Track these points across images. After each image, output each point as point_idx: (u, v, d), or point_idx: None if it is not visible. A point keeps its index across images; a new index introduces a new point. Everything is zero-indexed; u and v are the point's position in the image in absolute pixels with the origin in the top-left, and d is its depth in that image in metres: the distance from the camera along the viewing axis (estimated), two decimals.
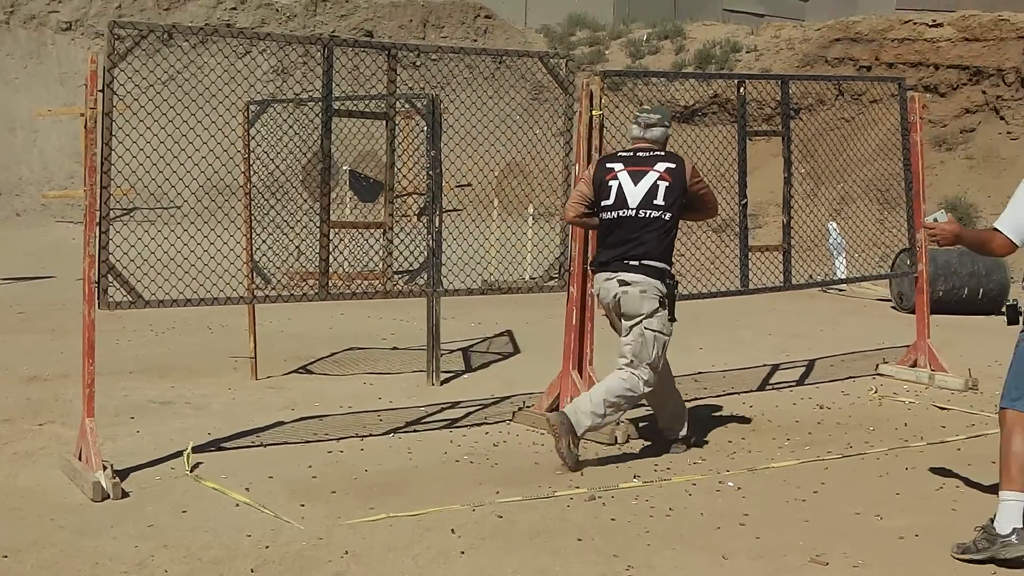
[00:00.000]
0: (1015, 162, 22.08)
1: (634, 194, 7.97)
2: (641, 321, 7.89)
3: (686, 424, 8.39)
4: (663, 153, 8.17)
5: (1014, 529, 6.03)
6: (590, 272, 8.42)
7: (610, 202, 8.03)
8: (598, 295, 8.18)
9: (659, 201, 7.95)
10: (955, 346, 12.38)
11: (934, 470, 7.83)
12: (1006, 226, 6.41)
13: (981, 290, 15.92)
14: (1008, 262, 16.78)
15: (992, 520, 6.13)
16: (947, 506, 7.05)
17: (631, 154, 8.17)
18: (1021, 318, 6.56)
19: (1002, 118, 23.55)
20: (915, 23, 25.78)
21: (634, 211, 7.95)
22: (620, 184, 8.02)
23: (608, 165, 8.15)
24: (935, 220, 7.14)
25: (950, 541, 6.31)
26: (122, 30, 7.38)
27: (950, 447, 8.52)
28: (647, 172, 8.01)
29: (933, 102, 24.10)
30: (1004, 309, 6.96)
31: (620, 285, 7.91)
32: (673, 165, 8.05)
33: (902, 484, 7.51)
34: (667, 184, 7.97)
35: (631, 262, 7.90)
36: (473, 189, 12.23)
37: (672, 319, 7.99)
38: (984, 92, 23.99)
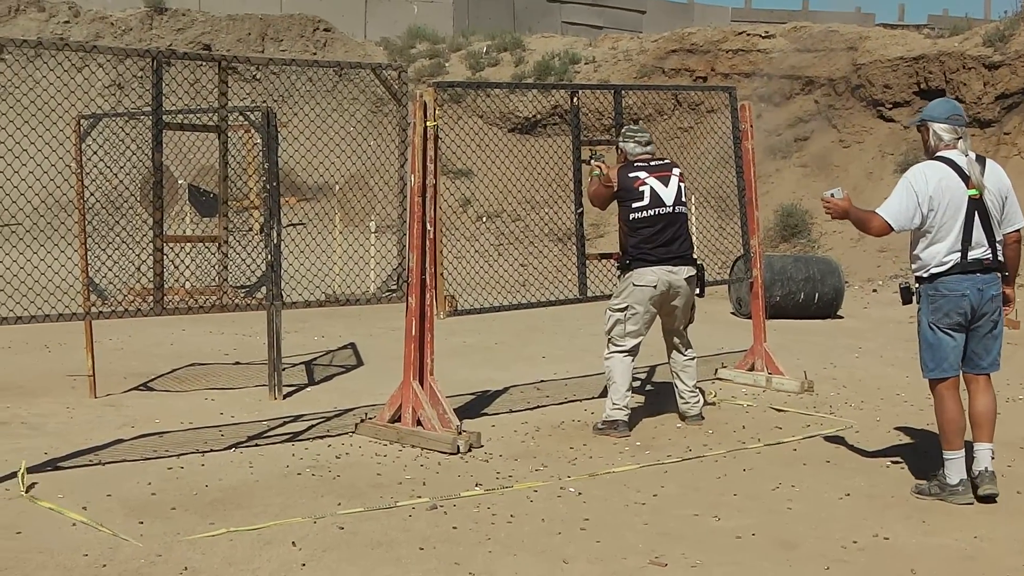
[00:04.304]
0: (847, 168, 22.60)
1: (667, 194, 9.19)
2: (693, 305, 9.48)
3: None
4: (669, 161, 9.49)
5: (960, 480, 7.19)
6: (624, 269, 9.29)
7: (645, 203, 9.14)
8: (653, 286, 9.08)
9: (684, 199, 9.30)
10: (791, 350, 12.64)
11: (770, 471, 7.99)
12: (885, 211, 7.25)
13: (816, 295, 16.25)
14: (842, 268, 17.21)
15: (943, 472, 7.27)
16: (783, 505, 7.19)
17: (646, 163, 9.31)
18: (913, 297, 7.40)
19: (834, 126, 24.09)
20: (749, 34, 26.29)
21: (671, 208, 9.18)
22: (652, 187, 9.16)
23: (631, 175, 9.22)
24: (832, 195, 7.48)
25: (786, 539, 6.48)
26: None
27: (786, 448, 8.69)
28: (670, 177, 9.28)
29: (768, 111, 24.60)
30: (899, 291, 7.65)
31: (684, 278, 9.21)
32: (680, 170, 9.42)
33: (739, 485, 7.64)
34: (684, 185, 9.37)
35: (686, 255, 9.25)
36: (316, 202, 12.18)
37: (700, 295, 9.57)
38: (816, 102, 24.52)
